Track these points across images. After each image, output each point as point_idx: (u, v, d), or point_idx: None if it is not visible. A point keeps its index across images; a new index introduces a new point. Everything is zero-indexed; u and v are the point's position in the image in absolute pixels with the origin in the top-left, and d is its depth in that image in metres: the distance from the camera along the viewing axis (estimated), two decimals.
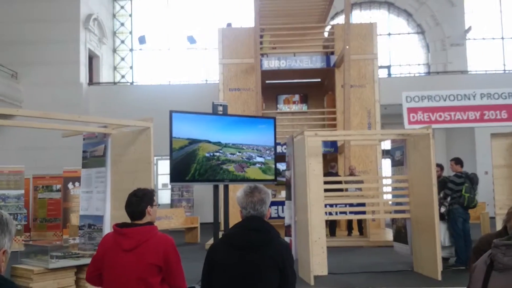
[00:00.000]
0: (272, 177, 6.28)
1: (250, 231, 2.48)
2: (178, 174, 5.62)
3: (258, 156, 6.05)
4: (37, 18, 16.38)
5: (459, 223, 7.53)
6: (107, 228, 5.40)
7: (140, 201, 2.93)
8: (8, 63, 15.84)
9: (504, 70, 18.63)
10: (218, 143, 5.78)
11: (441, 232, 7.28)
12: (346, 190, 8.78)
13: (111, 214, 5.62)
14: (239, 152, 5.91)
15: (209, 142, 5.72)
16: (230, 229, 2.61)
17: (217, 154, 5.79)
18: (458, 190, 7.53)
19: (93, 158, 5.98)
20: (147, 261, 2.76)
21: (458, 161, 7.82)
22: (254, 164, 6.03)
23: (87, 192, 5.88)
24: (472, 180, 7.67)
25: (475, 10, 19.25)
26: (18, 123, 7.69)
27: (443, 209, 7.48)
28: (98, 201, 5.66)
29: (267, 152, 6.15)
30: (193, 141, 5.62)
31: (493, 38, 19.20)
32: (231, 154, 5.87)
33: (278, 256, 2.43)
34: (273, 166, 6.24)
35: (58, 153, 14.05)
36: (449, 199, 7.59)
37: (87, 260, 5.07)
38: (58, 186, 12.47)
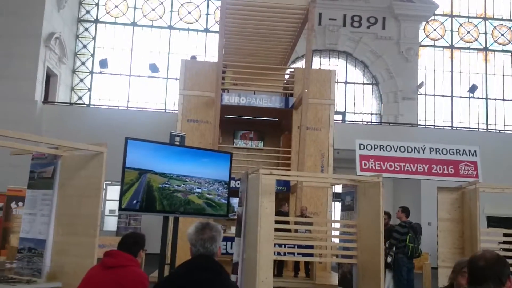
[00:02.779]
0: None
1: (198, 270, 2.36)
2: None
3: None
4: None
5: (404, 273, 7.71)
6: (49, 254, 5.15)
7: (135, 243, 3.18)
8: None
9: (452, 127, 19.63)
10: (163, 174, 5.91)
11: (386, 280, 7.41)
12: (296, 231, 8.80)
13: (53, 240, 5.37)
14: (183, 184, 6.15)
15: (155, 173, 5.80)
16: (177, 268, 2.50)
17: (166, 185, 5.95)
18: (402, 240, 7.73)
19: (40, 179, 5.73)
20: (120, 283, 2.90)
21: (404, 210, 8.06)
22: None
23: (31, 214, 5.60)
24: (415, 230, 7.90)
25: (428, 67, 20.39)
26: None
27: (389, 259, 7.64)
28: (42, 225, 5.40)
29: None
30: (142, 172, 5.63)
31: (443, 95, 20.30)
32: (177, 185, 6.09)
33: None
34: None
35: (3, 170, 13.42)
36: (394, 248, 7.78)
37: (23, 287, 4.79)
38: (0, 205, 11.80)
